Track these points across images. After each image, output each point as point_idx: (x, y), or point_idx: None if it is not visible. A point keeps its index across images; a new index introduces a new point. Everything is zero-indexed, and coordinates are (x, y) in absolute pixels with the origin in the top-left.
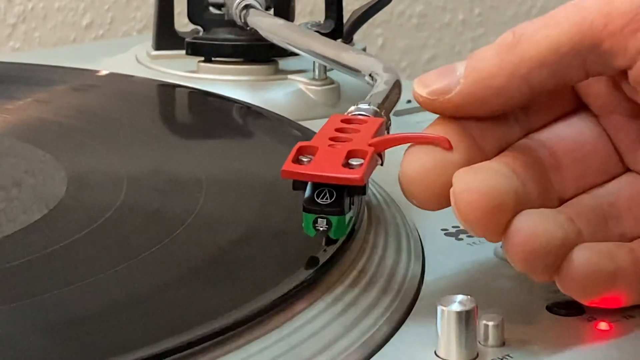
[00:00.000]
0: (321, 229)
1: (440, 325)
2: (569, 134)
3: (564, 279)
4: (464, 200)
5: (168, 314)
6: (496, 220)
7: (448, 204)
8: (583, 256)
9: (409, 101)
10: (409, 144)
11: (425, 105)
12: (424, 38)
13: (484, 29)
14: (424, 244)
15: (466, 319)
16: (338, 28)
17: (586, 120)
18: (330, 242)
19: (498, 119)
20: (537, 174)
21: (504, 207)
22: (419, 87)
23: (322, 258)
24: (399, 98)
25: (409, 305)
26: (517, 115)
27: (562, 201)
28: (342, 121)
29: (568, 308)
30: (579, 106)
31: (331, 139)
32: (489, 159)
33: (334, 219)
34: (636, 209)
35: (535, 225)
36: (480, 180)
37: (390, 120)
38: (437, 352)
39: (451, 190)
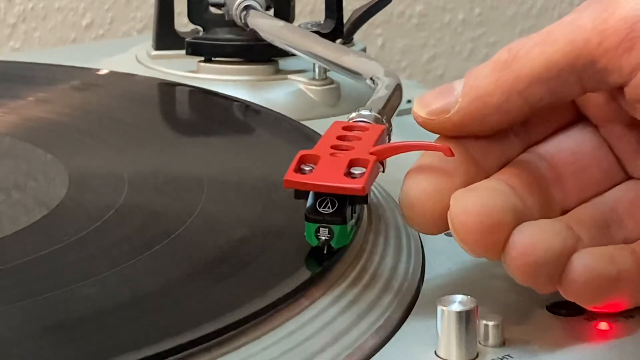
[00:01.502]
0: (323, 238)
1: (440, 325)
2: (568, 145)
3: (566, 286)
4: (460, 222)
5: (169, 314)
6: (494, 239)
7: (448, 228)
8: (583, 262)
9: (409, 101)
10: (411, 151)
11: (425, 126)
12: (424, 38)
13: (484, 29)
14: (424, 244)
15: (466, 319)
16: (338, 28)
17: (585, 130)
18: (331, 251)
19: (497, 136)
20: (537, 188)
21: (501, 225)
22: (418, 107)
23: (323, 258)
24: (399, 103)
25: (409, 305)
26: (516, 130)
27: (564, 213)
28: (344, 128)
29: (568, 308)
30: (577, 117)
31: (333, 147)
32: (490, 175)
33: (336, 228)
34: (638, 213)
35: (532, 236)
36: (476, 201)
37: (391, 125)
38: (437, 352)
39: (448, 212)
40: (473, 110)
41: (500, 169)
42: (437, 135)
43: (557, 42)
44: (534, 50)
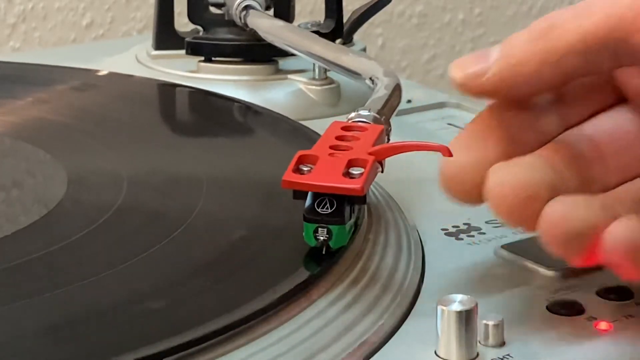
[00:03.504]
0: (322, 238)
1: (440, 325)
2: (610, 125)
3: (604, 257)
4: (496, 195)
5: (169, 314)
6: (529, 212)
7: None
8: (620, 232)
9: (409, 101)
10: (409, 151)
11: (460, 87)
12: (424, 38)
13: (484, 29)
14: (424, 244)
15: (466, 319)
16: (338, 28)
17: (627, 112)
18: (330, 251)
19: (537, 113)
20: (578, 165)
21: (536, 198)
22: (455, 70)
23: (323, 258)
24: (399, 103)
25: (409, 305)
26: (556, 109)
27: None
28: (343, 128)
29: (568, 308)
30: (619, 98)
31: (331, 147)
32: (529, 153)
33: (334, 229)
34: None
35: (563, 208)
36: (513, 174)
37: (390, 126)
38: (437, 352)
39: (485, 184)
40: (506, 77)
41: (539, 146)
42: (434, 136)
43: (594, 15)
44: (570, 22)
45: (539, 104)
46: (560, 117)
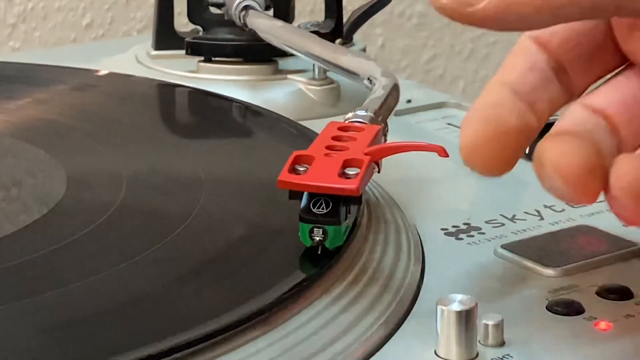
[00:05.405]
0: (317, 238)
1: (440, 325)
2: (618, 95)
3: None
4: (564, 164)
5: (167, 314)
6: (595, 179)
7: (509, 169)
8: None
9: (408, 101)
10: (405, 152)
11: (448, 12)
12: (424, 38)
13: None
14: (424, 244)
15: (466, 319)
16: (338, 28)
17: (633, 77)
18: (326, 252)
19: (544, 81)
20: (605, 134)
21: (601, 163)
22: None
23: (322, 257)
24: (396, 103)
25: (409, 305)
26: (559, 78)
27: None
28: (339, 129)
29: (568, 308)
30: (622, 63)
31: (327, 147)
32: (542, 124)
33: (330, 229)
34: None
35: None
36: (574, 145)
37: (387, 126)
38: (437, 352)
39: (544, 157)
40: (501, 11)
41: (548, 116)
42: (433, 136)
43: None
44: None
45: (542, 75)
46: (565, 86)
